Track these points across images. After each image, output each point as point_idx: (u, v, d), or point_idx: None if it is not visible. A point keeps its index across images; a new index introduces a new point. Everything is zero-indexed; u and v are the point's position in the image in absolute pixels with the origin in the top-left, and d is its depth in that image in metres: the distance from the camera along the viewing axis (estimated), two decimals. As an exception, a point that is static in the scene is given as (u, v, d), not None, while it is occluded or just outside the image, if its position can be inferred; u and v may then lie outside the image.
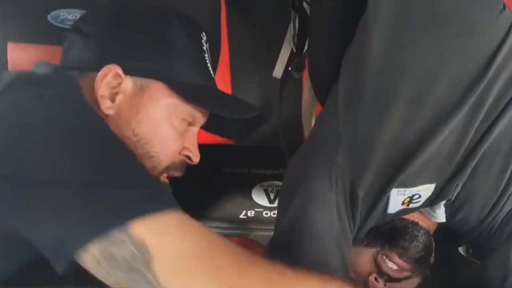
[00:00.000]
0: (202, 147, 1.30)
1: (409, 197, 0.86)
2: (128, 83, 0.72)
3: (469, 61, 0.77)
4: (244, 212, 1.55)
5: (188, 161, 0.78)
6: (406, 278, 0.90)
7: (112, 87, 0.71)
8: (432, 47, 0.77)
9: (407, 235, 0.89)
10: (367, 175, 0.83)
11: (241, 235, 1.42)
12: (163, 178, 0.77)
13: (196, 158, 0.79)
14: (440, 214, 0.90)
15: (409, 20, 0.77)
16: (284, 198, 0.90)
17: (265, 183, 1.59)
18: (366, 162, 0.83)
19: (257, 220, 1.54)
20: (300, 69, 1.13)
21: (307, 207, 0.84)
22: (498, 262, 0.88)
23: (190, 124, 0.78)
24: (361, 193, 0.84)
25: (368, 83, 0.82)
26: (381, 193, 0.84)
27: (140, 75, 0.73)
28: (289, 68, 1.13)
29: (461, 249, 1.30)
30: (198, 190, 1.57)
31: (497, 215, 0.87)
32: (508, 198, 0.86)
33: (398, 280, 0.89)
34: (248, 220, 1.54)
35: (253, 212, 1.55)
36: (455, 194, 0.86)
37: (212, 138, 1.41)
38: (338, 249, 0.83)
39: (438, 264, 0.95)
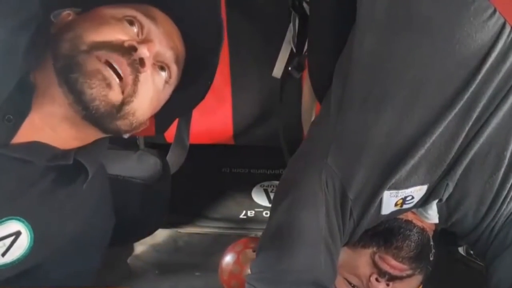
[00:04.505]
0: (202, 147, 1.31)
1: (402, 198, 0.86)
2: None
3: (458, 65, 0.77)
4: (244, 212, 1.55)
5: None
6: (408, 276, 0.89)
7: None
8: (420, 51, 0.77)
9: (399, 235, 0.89)
10: (357, 178, 0.84)
11: (241, 235, 1.41)
12: None
13: None
14: (432, 215, 0.90)
15: (398, 25, 0.78)
16: (277, 198, 0.91)
17: (265, 183, 1.59)
18: (356, 165, 0.83)
19: (257, 220, 1.53)
20: (300, 69, 1.13)
21: (296, 207, 0.84)
22: (509, 264, 0.87)
23: None
24: (351, 195, 0.84)
25: (359, 87, 0.83)
26: (373, 196, 0.84)
27: None
28: (289, 68, 1.13)
29: (461, 249, 1.30)
30: (198, 190, 1.57)
31: (495, 216, 0.87)
32: (505, 199, 0.85)
33: (400, 278, 0.89)
34: (248, 220, 1.54)
35: (253, 212, 1.55)
36: (446, 194, 0.85)
37: (212, 138, 1.42)
38: (326, 249, 0.83)
39: (438, 264, 0.95)
